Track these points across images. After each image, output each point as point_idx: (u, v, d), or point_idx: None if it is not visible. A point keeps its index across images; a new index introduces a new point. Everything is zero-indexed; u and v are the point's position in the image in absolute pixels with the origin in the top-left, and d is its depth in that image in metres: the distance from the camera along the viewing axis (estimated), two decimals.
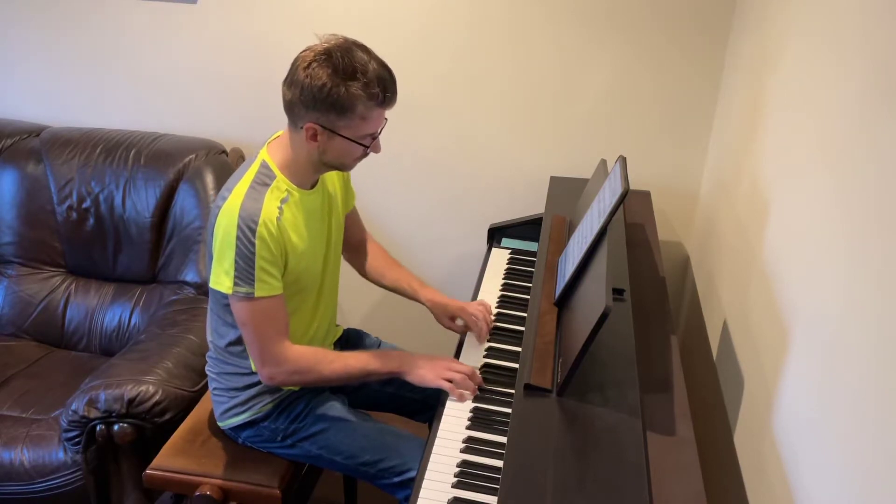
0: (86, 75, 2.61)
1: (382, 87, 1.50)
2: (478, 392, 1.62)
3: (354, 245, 1.94)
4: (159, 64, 2.56)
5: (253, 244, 1.50)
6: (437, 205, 2.59)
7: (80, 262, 2.46)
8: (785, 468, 1.32)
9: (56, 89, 2.65)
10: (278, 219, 1.54)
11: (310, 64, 1.47)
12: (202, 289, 2.31)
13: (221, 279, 1.53)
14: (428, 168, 2.54)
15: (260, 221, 1.50)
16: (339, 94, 1.47)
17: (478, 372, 1.66)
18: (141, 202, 2.37)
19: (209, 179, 2.37)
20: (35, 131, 2.54)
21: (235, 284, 1.52)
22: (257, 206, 1.52)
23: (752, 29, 2.00)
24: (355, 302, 2.72)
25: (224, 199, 1.54)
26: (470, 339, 1.82)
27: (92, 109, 2.65)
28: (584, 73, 2.35)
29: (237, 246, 1.50)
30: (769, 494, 1.40)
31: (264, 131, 2.50)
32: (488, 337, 1.81)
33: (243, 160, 2.57)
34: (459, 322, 1.85)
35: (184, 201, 2.36)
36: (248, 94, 2.54)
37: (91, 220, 2.41)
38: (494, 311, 1.92)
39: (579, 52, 2.33)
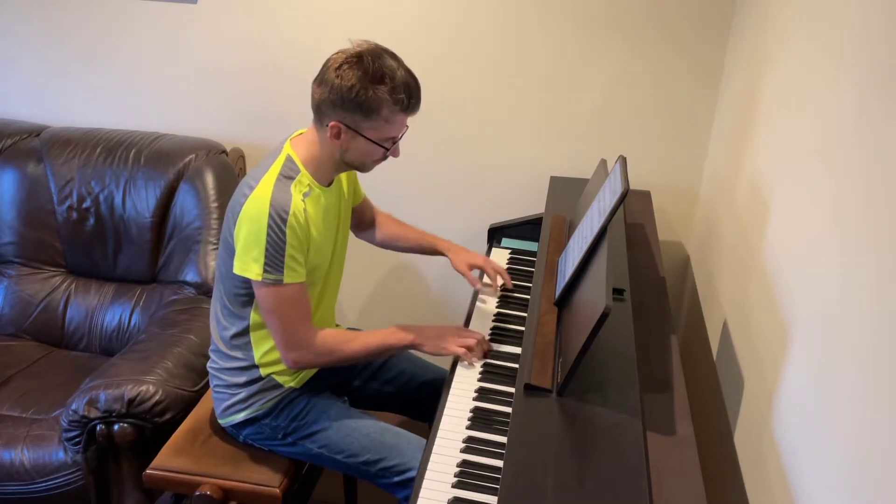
0: (86, 75, 2.61)
1: (408, 93, 1.57)
2: (488, 355, 1.72)
3: (368, 223, 2.02)
4: (159, 64, 2.56)
5: (284, 233, 1.55)
6: (436, 204, 2.58)
7: (80, 262, 2.46)
8: (785, 468, 1.32)
9: (56, 89, 2.65)
10: (304, 211, 1.59)
11: (341, 65, 1.53)
12: (202, 289, 2.31)
13: (250, 266, 1.57)
14: (428, 168, 2.54)
15: (290, 211, 1.56)
16: (367, 95, 1.53)
17: (486, 338, 1.75)
18: (141, 202, 2.37)
19: (209, 179, 2.37)
20: (35, 131, 2.54)
21: (265, 272, 1.56)
22: (287, 197, 1.57)
23: (751, 29, 2.01)
24: (355, 300, 2.72)
25: (251, 188, 1.58)
26: (474, 323, 1.85)
27: (92, 109, 2.65)
28: (584, 73, 2.35)
29: (268, 234, 1.54)
30: (769, 494, 1.40)
31: (264, 131, 2.50)
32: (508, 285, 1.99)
33: (243, 160, 2.58)
34: (475, 273, 1.98)
35: (184, 201, 2.36)
36: (248, 94, 2.54)
37: (91, 220, 2.41)
38: (494, 310, 1.93)
39: (579, 52, 2.33)
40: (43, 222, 2.44)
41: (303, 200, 1.59)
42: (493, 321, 1.88)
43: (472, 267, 1.97)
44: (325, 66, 1.57)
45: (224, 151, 2.49)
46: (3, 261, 2.48)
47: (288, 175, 1.60)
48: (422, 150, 2.51)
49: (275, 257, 1.55)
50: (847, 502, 1.07)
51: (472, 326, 1.86)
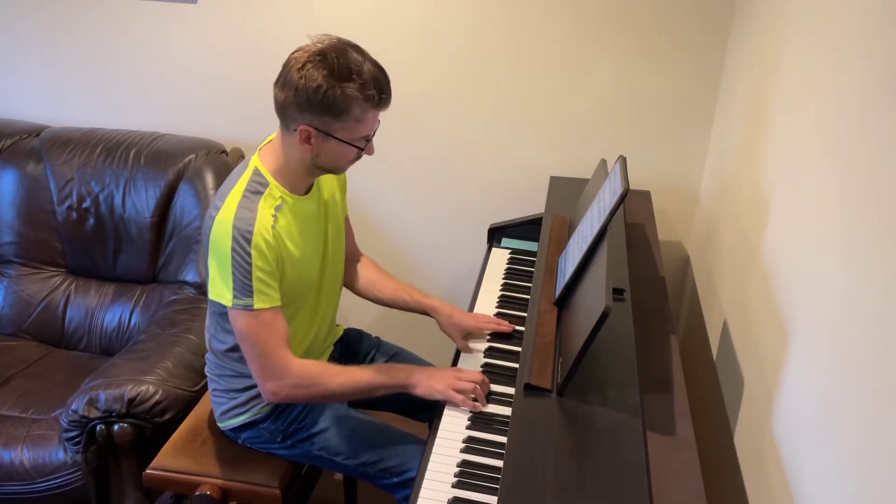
0: (86, 75, 2.61)
1: (378, 88, 1.48)
2: (486, 403, 1.58)
3: (347, 258, 1.89)
4: (159, 64, 2.56)
5: (249, 255, 1.48)
6: (436, 205, 2.58)
7: (80, 262, 2.46)
8: (785, 468, 1.32)
9: (56, 89, 2.65)
10: (273, 227, 1.52)
11: (304, 65, 1.44)
12: (202, 289, 2.31)
13: (222, 292, 1.52)
14: (428, 168, 2.54)
15: (255, 231, 1.49)
16: (335, 95, 1.44)
17: (486, 378, 1.63)
18: (141, 202, 2.37)
19: (209, 179, 2.37)
20: (35, 131, 2.54)
21: (235, 297, 1.50)
22: (251, 215, 1.50)
23: (752, 29, 2.01)
24: (356, 302, 2.71)
25: (217, 209, 1.52)
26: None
27: (92, 109, 2.65)
28: (584, 72, 2.35)
29: (233, 258, 1.48)
30: (769, 494, 1.40)
31: (264, 131, 2.49)
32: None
33: (243, 160, 2.58)
34: (470, 343, 1.79)
35: (184, 201, 2.37)
36: (248, 94, 2.54)
37: (91, 220, 2.41)
38: (494, 310, 1.92)
39: (579, 52, 2.33)
40: (43, 222, 2.44)
41: (273, 216, 1.53)
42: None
43: (465, 333, 1.80)
44: (287, 67, 1.47)
45: (224, 151, 2.49)
46: (3, 261, 2.48)
47: (255, 190, 1.53)
48: (421, 150, 2.51)
49: (243, 282, 1.49)
50: (847, 502, 1.07)
51: (468, 340, 1.84)
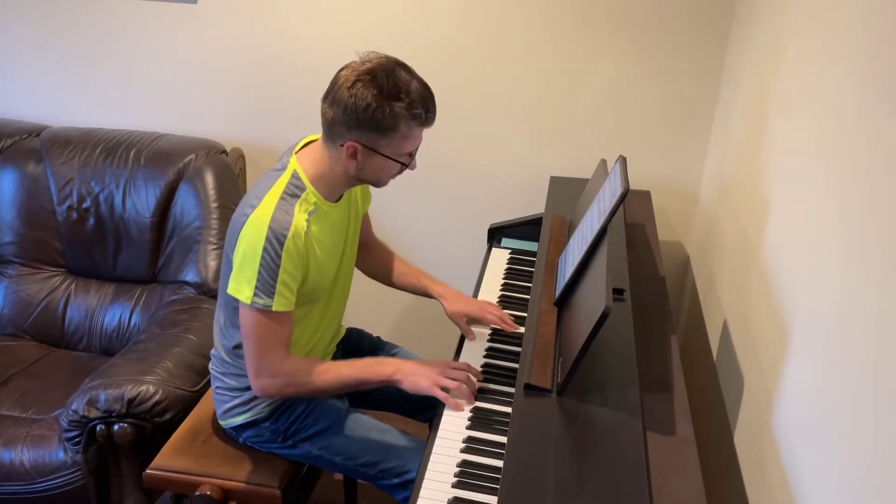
0: (86, 75, 2.61)
1: (425, 107, 1.52)
2: (475, 400, 1.59)
3: (362, 242, 1.92)
4: (159, 64, 2.56)
5: (279, 257, 1.50)
6: (437, 205, 2.59)
7: (80, 262, 2.46)
8: (785, 468, 1.33)
9: (56, 89, 2.65)
10: (306, 232, 1.54)
11: (354, 84, 1.47)
12: (202, 289, 2.31)
13: (242, 287, 1.52)
14: (428, 168, 2.52)
15: (290, 235, 1.50)
16: (384, 114, 1.48)
17: (473, 367, 1.65)
18: (141, 202, 2.37)
19: (209, 179, 2.37)
20: (35, 131, 2.54)
21: (255, 295, 1.51)
22: (288, 218, 1.52)
23: (751, 29, 2.01)
24: (357, 302, 2.70)
25: (253, 207, 1.53)
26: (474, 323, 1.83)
27: (92, 109, 2.65)
28: (584, 73, 2.35)
29: (263, 257, 1.50)
30: (769, 494, 1.40)
31: (264, 131, 2.50)
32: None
33: (243, 160, 2.58)
34: (472, 326, 1.83)
35: (184, 201, 2.37)
36: (248, 94, 2.54)
37: (91, 220, 2.41)
38: None
39: (579, 52, 2.33)
40: (43, 222, 2.44)
41: (307, 220, 1.55)
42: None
43: (467, 318, 1.83)
44: (336, 85, 1.50)
45: (224, 151, 2.49)
46: (3, 261, 2.48)
47: (293, 193, 1.56)
48: (421, 150, 2.50)
49: (267, 282, 1.50)
50: (847, 502, 1.07)
51: (472, 326, 1.85)
